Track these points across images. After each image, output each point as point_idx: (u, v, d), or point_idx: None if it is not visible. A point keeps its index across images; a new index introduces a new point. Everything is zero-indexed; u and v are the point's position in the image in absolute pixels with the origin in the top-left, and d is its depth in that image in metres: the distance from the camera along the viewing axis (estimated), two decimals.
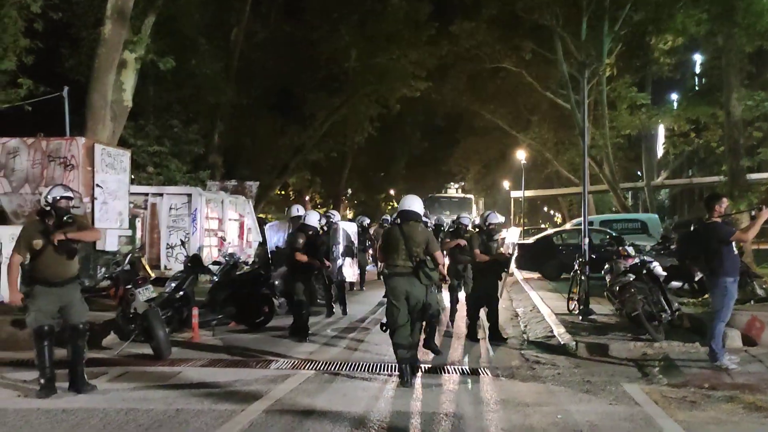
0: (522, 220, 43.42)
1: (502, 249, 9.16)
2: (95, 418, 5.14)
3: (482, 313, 9.08)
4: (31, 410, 5.36)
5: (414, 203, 6.80)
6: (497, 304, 8.94)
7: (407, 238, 6.48)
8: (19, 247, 5.96)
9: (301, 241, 8.96)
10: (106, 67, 12.68)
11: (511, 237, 11.05)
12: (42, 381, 5.89)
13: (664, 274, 9.89)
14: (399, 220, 6.79)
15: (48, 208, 5.97)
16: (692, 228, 7.78)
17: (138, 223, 13.64)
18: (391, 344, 6.52)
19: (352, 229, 12.49)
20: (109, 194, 11.32)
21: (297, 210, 10.54)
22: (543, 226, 51.01)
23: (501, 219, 9.15)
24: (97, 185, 11.00)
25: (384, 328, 6.58)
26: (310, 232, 9.20)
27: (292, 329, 8.93)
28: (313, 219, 9.50)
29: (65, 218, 5.97)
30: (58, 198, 5.97)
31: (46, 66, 15.27)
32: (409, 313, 6.45)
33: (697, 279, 10.51)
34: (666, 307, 8.47)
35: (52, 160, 10.85)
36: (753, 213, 7.19)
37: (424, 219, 7.43)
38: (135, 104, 14.55)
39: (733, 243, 6.89)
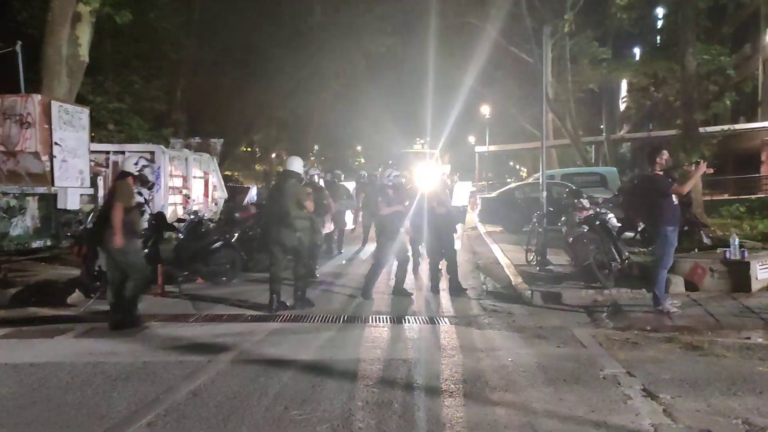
0: (487, 175, 43.88)
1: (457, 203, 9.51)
2: (63, 372, 5.29)
3: (443, 265, 9.37)
4: None
5: (294, 164, 8.14)
6: (455, 256, 9.22)
7: (282, 194, 7.83)
8: (125, 200, 6.93)
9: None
10: (60, 20, 12.37)
11: (461, 190, 11.52)
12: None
13: (619, 225, 10.31)
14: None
15: (137, 174, 7.21)
16: (635, 181, 8.11)
17: (100, 182, 13.51)
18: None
19: (350, 186, 14.76)
20: (69, 152, 11.20)
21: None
22: (509, 180, 51.60)
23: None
24: (56, 143, 10.86)
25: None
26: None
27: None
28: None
29: (150, 184, 7.82)
30: (142, 167, 7.28)
31: None
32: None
33: (640, 229, 10.96)
34: (616, 256, 8.90)
35: (7, 117, 10.66)
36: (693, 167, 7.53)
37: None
38: (92, 59, 14.24)
39: (673, 194, 7.22)
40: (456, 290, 9.03)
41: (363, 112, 45.27)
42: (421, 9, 28.22)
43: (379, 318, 7.41)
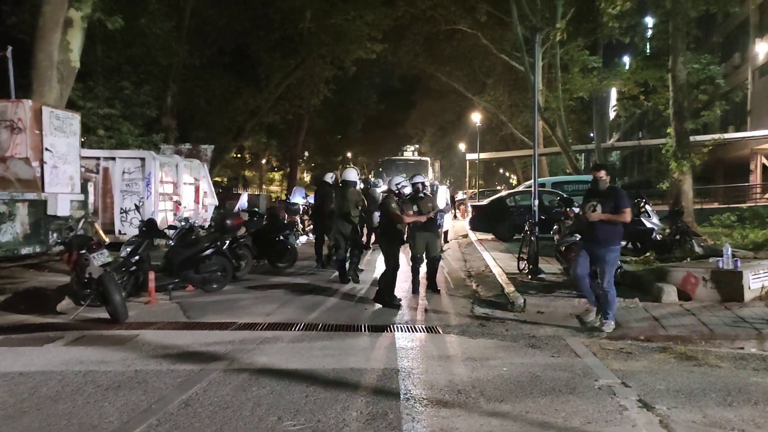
0: (477, 182, 44.00)
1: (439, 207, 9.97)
2: (53, 381, 5.21)
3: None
4: None
5: (350, 174, 10.71)
6: (438, 261, 9.69)
7: (343, 197, 10.44)
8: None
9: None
10: (51, 25, 12.28)
11: (441, 194, 12.10)
12: None
13: None
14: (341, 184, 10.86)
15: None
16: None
17: (90, 188, 13.42)
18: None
19: (379, 190, 15.48)
20: (59, 158, 11.12)
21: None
22: (499, 188, 51.77)
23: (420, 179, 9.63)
24: (46, 149, 10.78)
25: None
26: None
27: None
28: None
29: None
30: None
31: None
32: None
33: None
34: None
35: None
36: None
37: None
38: (83, 65, 14.16)
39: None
40: (432, 288, 9.57)
41: (353, 119, 45.34)
42: (411, 16, 28.35)
43: (372, 327, 7.37)
